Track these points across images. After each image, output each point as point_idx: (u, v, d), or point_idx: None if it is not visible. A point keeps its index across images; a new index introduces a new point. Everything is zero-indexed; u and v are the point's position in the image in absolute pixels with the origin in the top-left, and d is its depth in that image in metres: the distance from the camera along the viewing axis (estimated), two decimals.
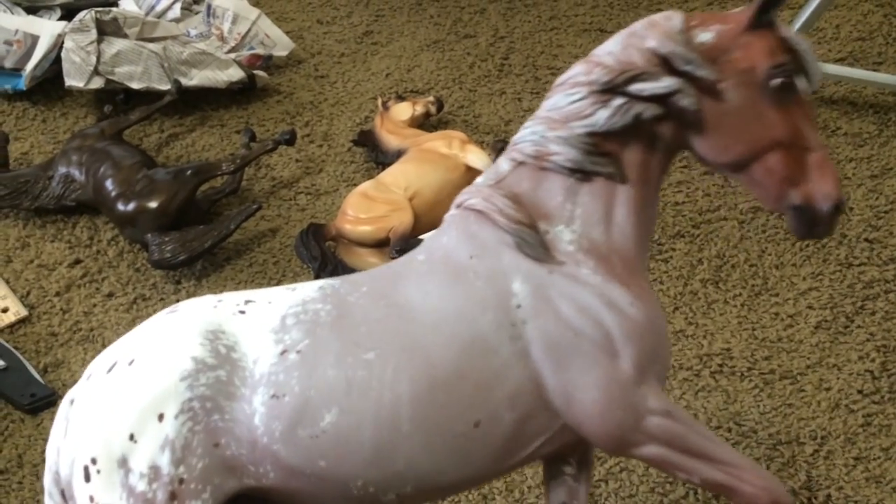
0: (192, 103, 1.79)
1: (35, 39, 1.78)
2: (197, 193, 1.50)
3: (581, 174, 0.88)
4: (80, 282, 1.42)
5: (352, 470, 0.85)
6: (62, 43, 1.71)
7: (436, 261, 0.90)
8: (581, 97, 0.88)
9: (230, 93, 1.81)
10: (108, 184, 1.48)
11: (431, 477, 0.87)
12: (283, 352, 0.85)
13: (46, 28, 1.76)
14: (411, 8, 2.11)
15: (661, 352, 0.89)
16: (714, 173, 0.88)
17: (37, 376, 1.26)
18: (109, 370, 0.85)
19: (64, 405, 0.87)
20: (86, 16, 1.69)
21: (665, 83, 0.85)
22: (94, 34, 1.69)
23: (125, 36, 1.72)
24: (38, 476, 1.15)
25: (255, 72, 1.83)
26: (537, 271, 0.87)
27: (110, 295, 1.40)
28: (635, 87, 0.86)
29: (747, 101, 0.85)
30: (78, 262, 1.46)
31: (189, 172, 1.48)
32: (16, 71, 1.78)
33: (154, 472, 0.81)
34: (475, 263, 0.88)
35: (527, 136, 0.90)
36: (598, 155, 0.88)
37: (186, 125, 1.77)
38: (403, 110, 1.66)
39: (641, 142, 0.88)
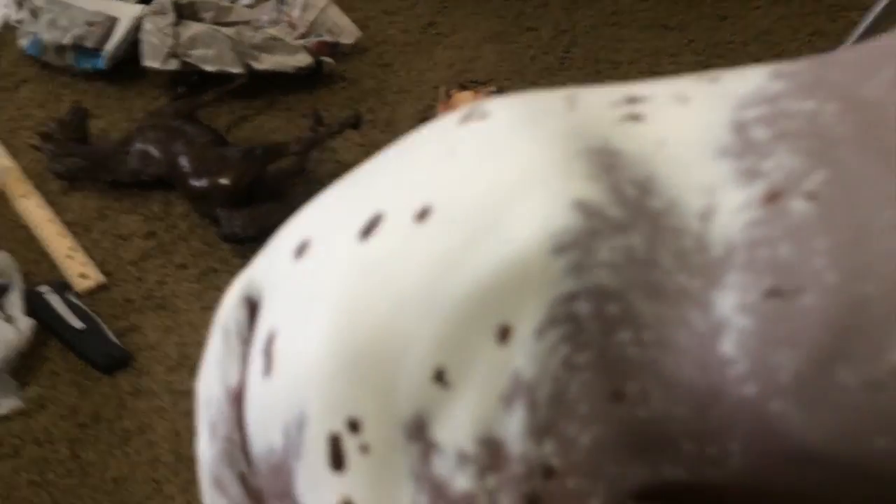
0: (261, 87, 1.85)
1: (114, 21, 1.85)
2: (265, 172, 1.56)
3: None
4: (154, 252, 1.49)
5: None
6: (140, 25, 1.79)
7: None
8: None
9: (297, 78, 1.87)
10: (182, 160, 1.55)
11: None
12: (772, 196, 0.40)
13: (126, 11, 1.84)
14: (475, 0, 2.14)
15: None
16: None
17: (113, 339, 1.33)
18: (365, 233, 0.40)
19: (231, 323, 0.44)
20: None
21: None
22: (171, 17, 1.76)
23: (201, 20, 1.78)
24: (113, 431, 1.22)
25: (322, 58, 1.89)
26: None
27: (182, 266, 1.47)
28: None
29: None
30: (152, 233, 1.53)
31: (259, 152, 1.54)
32: (96, 51, 1.86)
33: (488, 454, 0.37)
34: None
35: None
36: None
37: (255, 108, 1.83)
38: (465, 100, 1.70)
39: None
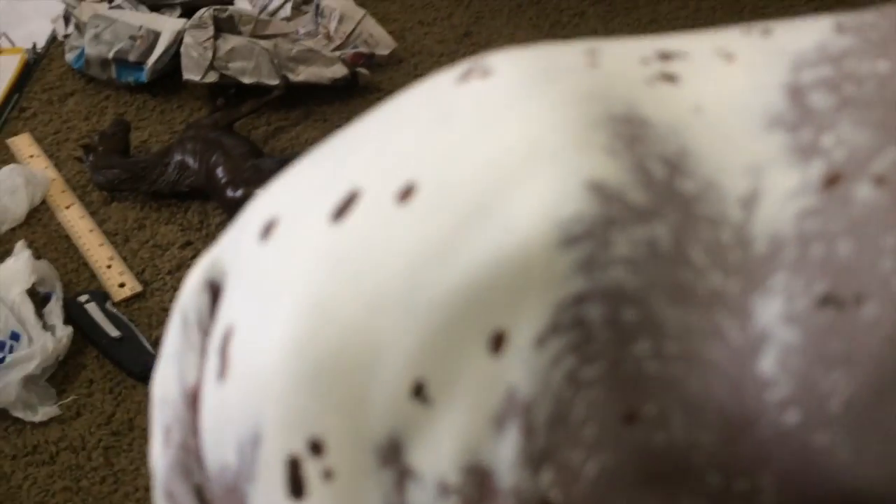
0: (298, 98, 1.87)
1: (156, 35, 1.89)
2: None
3: None
4: (191, 262, 1.51)
5: None
6: (181, 39, 1.82)
7: None
8: None
9: (333, 89, 1.89)
10: (219, 171, 1.58)
11: None
12: (832, 179, 0.33)
13: (168, 25, 1.88)
14: (511, 10, 2.14)
15: None
16: None
17: (149, 347, 1.35)
18: (338, 213, 0.34)
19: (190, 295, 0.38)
20: (204, 13, 1.80)
21: None
22: (211, 31, 1.79)
23: (240, 33, 1.81)
24: (147, 439, 1.24)
25: (358, 69, 1.90)
26: None
27: None
28: None
29: None
30: (189, 243, 1.55)
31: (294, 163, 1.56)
32: (138, 64, 1.90)
33: (474, 485, 0.31)
34: None
35: None
36: None
37: (291, 119, 1.85)
38: None
39: None
